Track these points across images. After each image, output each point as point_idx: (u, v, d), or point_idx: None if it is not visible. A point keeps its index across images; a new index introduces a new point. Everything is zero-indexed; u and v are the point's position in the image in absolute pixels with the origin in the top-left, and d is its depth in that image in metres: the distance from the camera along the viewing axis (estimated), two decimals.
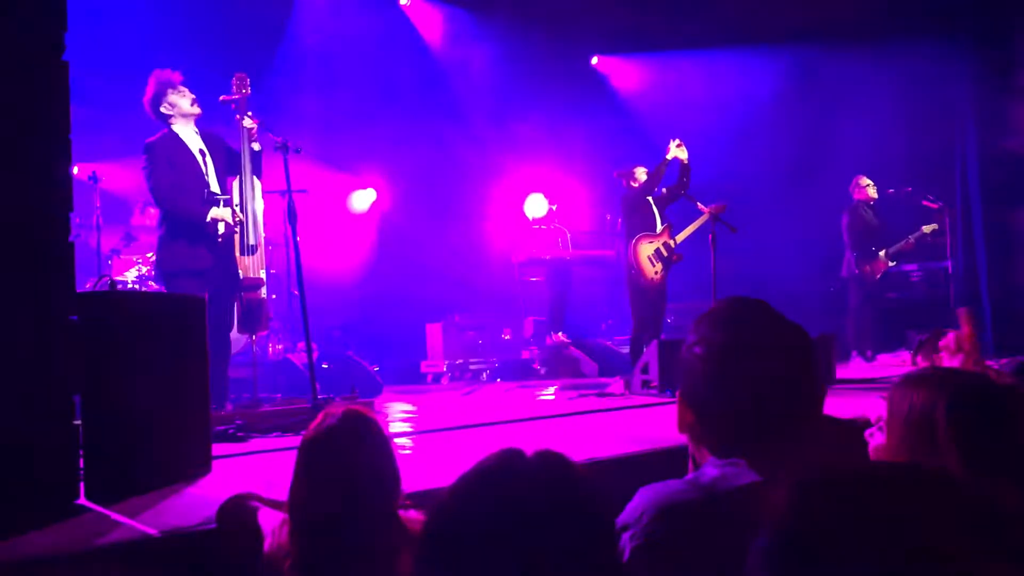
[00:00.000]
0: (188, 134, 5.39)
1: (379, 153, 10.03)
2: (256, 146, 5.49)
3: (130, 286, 7.04)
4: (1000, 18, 9.68)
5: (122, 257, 7.48)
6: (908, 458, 1.61)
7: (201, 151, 5.40)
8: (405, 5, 10.21)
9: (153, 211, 8.36)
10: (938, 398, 1.59)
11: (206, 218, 5.26)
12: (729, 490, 1.46)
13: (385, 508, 2.05)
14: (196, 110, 5.38)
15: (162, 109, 5.35)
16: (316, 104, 9.21)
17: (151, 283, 7.26)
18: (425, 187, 10.26)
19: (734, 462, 1.49)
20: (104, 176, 7.43)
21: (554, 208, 10.51)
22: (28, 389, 2.82)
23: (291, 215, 5.20)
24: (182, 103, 5.34)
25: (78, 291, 3.09)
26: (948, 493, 0.84)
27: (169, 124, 5.37)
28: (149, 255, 7.47)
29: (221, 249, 5.34)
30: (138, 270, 7.28)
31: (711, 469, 1.53)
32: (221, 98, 5.46)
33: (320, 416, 2.14)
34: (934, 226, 9.05)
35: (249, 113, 5.42)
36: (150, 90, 5.36)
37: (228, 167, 5.52)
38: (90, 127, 7.52)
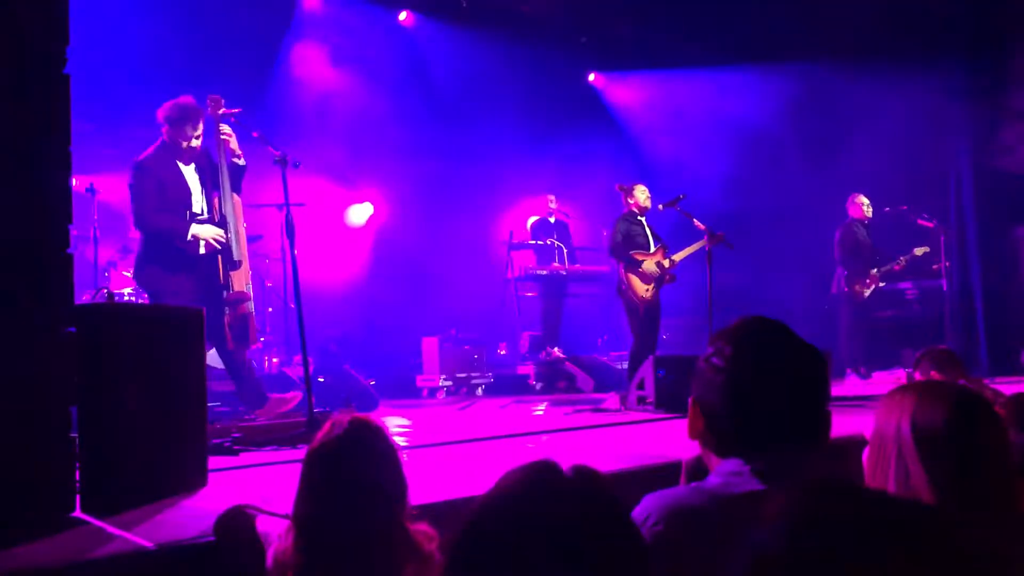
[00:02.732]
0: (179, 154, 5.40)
1: (376, 167, 10.06)
2: (240, 161, 5.47)
3: (127, 299, 7.04)
4: (993, 39, 9.77)
5: (119, 269, 7.48)
6: (885, 468, 1.65)
7: (189, 171, 5.40)
8: (403, 21, 10.26)
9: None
10: (906, 406, 1.63)
11: (186, 236, 5.23)
12: (732, 496, 1.53)
13: (393, 518, 2.05)
14: (196, 143, 5.39)
15: (164, 130, 5.36)
16: (314, 118, 9.24)
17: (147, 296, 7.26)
18: (422, 201, 10.29)
19: (738, 471, 1.56)
20: (102, 188, 7.44)
21: (552, 221, 10.52)
22: (25, 401, 2.82)
23: (289, 229, 5.21)
24: (188, 136, 5.35)
25: (76, 303, 3.10)
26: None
27: (164, 140, 5.37)
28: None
29: (203, 267, 5.31)
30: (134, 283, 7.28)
31: (715, 477, 1.60)
32: (221, 112, 5.46)
33: (327, 425, 2.13)
34: (925, 248, 9.08)
35: (226, 127, 5.39)
36: (171, 111, 5.35)
37: (215, 182, 5.52)
38: (89, 139, 7.57)
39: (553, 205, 10.29)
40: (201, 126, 5.39)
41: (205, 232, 5.29)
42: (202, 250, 5.29)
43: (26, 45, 2.96)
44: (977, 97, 9.89)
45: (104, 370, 3.10)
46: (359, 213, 10.44)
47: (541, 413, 6.88)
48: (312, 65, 9.51)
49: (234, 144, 5.43)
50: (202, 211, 5.40)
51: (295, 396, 5.60)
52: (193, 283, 5.26)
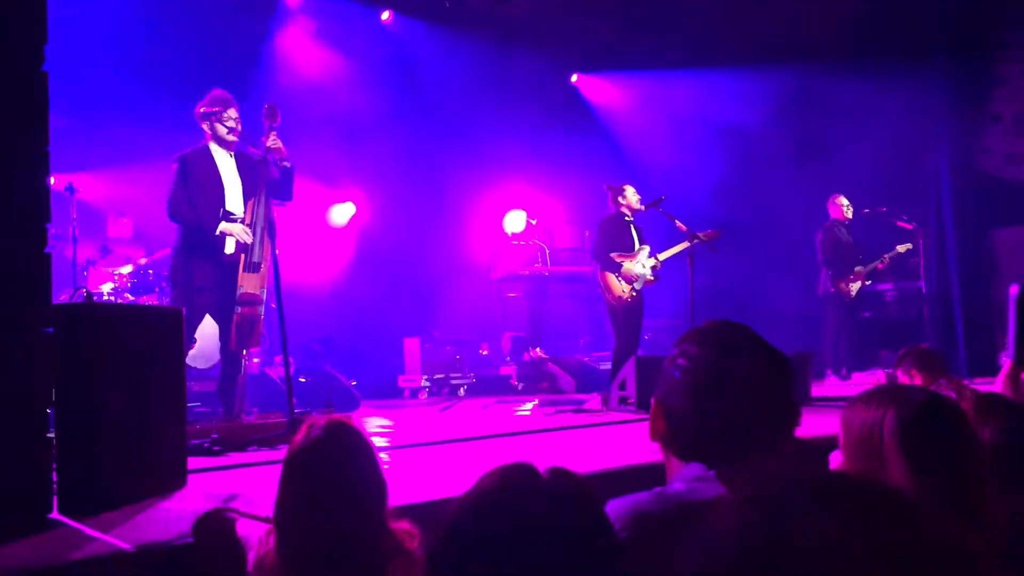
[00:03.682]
0: (221, 154, 5.55)
1: (359, 167, 10.03)
2: (287, 164, 5.54)
3: (106, 298, 6.99)
4: (975, 43, 9.86)
5: (98, 268, 7.43)
6: (860, 472, 1.65)
7: (229, 172, 5.54)
8: (386, 20, 10.23)
9: (126, 221, 8.33)
10: (886, 411, 1.65)
11: (215, 231, 5.38)
12: (696, 502, 1.51)
13: (374, 518, 2.05)
14: (231, 138, 5.53)
15: (203, 126, 5.54)
16: (297, 117, 9.19)
17: (127, 295, 7.21)
18: (405, 201, 10.27)
19: (702, 476, 1.55)
20: (81, 187, 7.38)
21: (533, 223, 10.54)
22: (2, 402, 2.79)
23: (270, 228, 5.24)
24: (220, 129, 5.51)
25: (54, 303, 3.07)
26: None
27: (208, 138, 5.54)
28: (125, 268, 7.42)
29: (225, 264, 5.42)
30: (114, 282, 7.23)
31: (679, 483, 1.58)
32: (268, 124, 5.49)
33: (305, 427, 2.13)
34: (908, 245, 9.16)
35: (274, 135, 5.46)
36: (202, 105, 5.55)
37: (256, 188, 5.56)
38: (67, 137, 7.50)
39: (533, 222, 10.38)
40: (233, 115, 5.52)
41: (233, 229, 5.43)
42: (230, 248, 5.42)
43: (3, 41, 2.93)
44: (958, 101, 9.99)
45: (82, 371, 3.07)
46: (341, 213, 10.40)
47: (523, 414, 6.88)
48: (294, 64, 9.47)
49: (283, 150, 5.48)
50: (240, 212, 5.51)
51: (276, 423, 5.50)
52: (217, 277, 5.41)
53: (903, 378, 4.46)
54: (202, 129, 5.56)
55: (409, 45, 10.36)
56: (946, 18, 9.73)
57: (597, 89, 12.20)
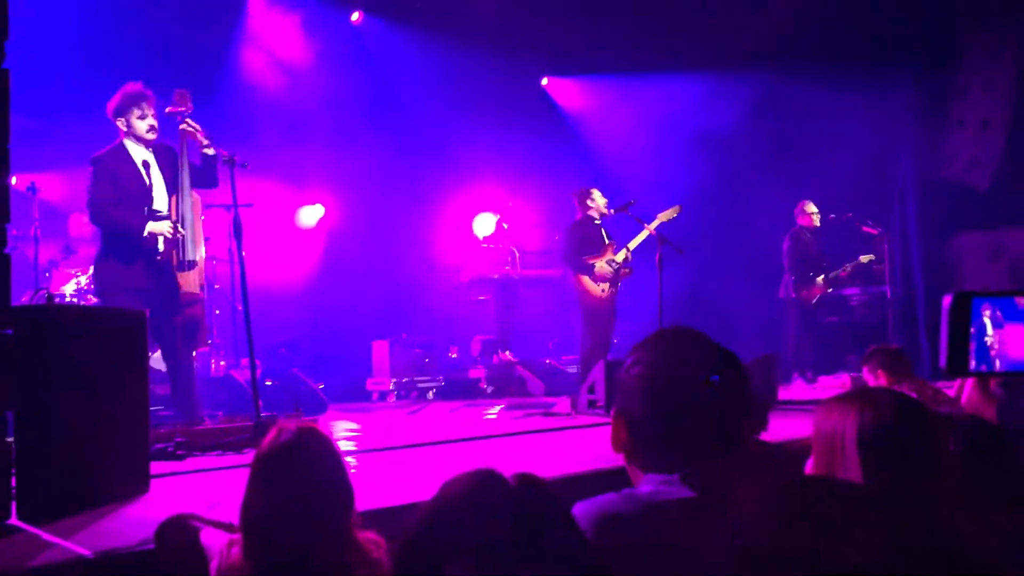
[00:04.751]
0: (138, 151, 5.31)
1: (328, 169, 9.97)
2: (210, 150, 5.38)
3: (68, 299, 6.88)
4: (938, 50, 10.01)
5: (60, 269, 7.31)
6: (830, 474, 1.68)
7: (146, 164, 5.31)
8: (355, 21, 10.18)
9: (85, 220, 8.20)
10: (852, 414, 1.66)
11: (143, 233, 5.15)
12: (663, 503, 1.53)
13: (340, 525, 2.04)
14: (151, 136, 5.30)
15: (118, 123, 5.29)
16: (265, 118, 9.13)
17: (90, 296, 7.10)
18: (373, 204, 10.22)
19: (669, 479, 1.56)
20: (43, 187, 7.27)
21: (505, 227, 10.53)
22: None
23: (236, 230, 5.14)
24: (139, 126, 5.27)
25: (13, 304, 3.01)
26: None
27: (122, 136, 5.30)
28: (90, 270, 7.31)
29: (160, 266, 5.23)
30: (76, 283, 7.11)
31: (646, 485, 1.59)
32: (168, 110, 5.37)
33: (273, 431, 2.11)
34: (871, 256, 9.29)
35: (188, 120, 5.30)
36: (115, 100, 5.30)
37: (196, 179, 5.44)
38: (30, 137, 7.39)
39: (505, 226, 10.37)
40: (151, 111, 5.29)
41: (161, 228, 5.21)
42: (161, 247, 5.22)
43: None
44: (922, 107, 10.13)
45: (42, 374, 3.02)
46: (310, 215, 10.34)
47: (492, 417, 6.87)
48: (262, 65, 9.40)
49: (200, 136, 5.34)
50: (165, 209, 5.31)
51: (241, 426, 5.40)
52: (151, 280, 5.19)
53: (868, 376, 4.52)
54: (116, 127, 5.29)
55: (379, 47, 10.32)
56: (911, 26, 9.87)
57: (567, 92, 12.23)
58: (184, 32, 8.36)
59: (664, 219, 7.40)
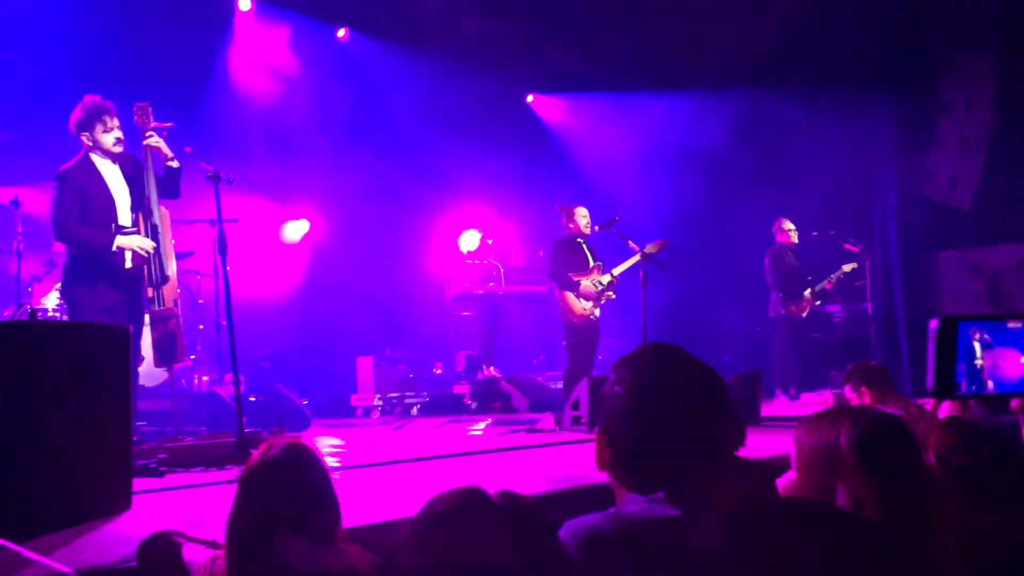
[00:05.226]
0: (104, 164, 5.22)
1: (313, 184, 9.97)
2: (174, 164, 5.32)
3: (51, 313, 6.83)
4: (920, 68, 10.13)
5: (43, 283, 7.26)
6: (815, 490, 1.69)
7: (115, 181, 5.23)
8: (342, 38, 10.21)
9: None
10: (841, 429, 1.68)
11: (111, 247, 5.06)
12: (649, 522, 1.52)
13: (326, 541, 2.04)
14: (117, 149, 5.21)
15: (82, 138, 5.19)
16: (250, 134, 9.13)
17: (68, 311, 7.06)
18: (359, 219, 10.23)
19: (655, 497, 1.56)
20: (26, 201, 7.22)
21: (489, 243, 10.55)
22: None
23: (221, 245, 5.11)
24: (104, 139, 5.17)
25: None
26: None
27: (86, 150, 5.21)
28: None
29: (128, 281, 5.15)
30: (59, 296, 7.07)
31: (632, 504, 1.59)
32: (151, 127, 5.32)
33: (262, 447, 2.12)
34: (853, 264, 9.35)
35: (153, 134, 5.25)
36: (77, 114, 5.20)
37: (145, 189, 5.39)
38: (13, 151, 7.36)
39: (489, 242, 10.40)
40: (115, 123, 5.20)
41: (131, 243, 5.11)
42: (128, 263, 5.12)
43: None
44: (904, 126, 10.24)
45: (25, 389, 3.00)
46: (295, 230, 10.33)
47: (477, 433, 6.86)
48: (248, 80, 9.40)
49: (165, 148, 5.29)
50: (131, 223, 5.24)
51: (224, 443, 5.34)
52: (119, 297, 5.09)
53: (851, 394, 4.53)
54: (80, 141, 5.19)
55: (365, 63, 10.34)
56: (893, 45, 9.99)
57: (552, 109, 12.30)
58: (170, 45, 8.35)
59: (651, 251, 7.41)
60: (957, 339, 1.30)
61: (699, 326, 10.19)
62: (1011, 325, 1.32)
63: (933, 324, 1.29)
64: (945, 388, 1.30)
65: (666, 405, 1.60)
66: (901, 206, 10.31)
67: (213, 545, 2.17)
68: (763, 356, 9.36)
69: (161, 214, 5.33)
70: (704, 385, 1.64)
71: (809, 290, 9.30)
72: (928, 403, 4.73)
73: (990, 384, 1.29)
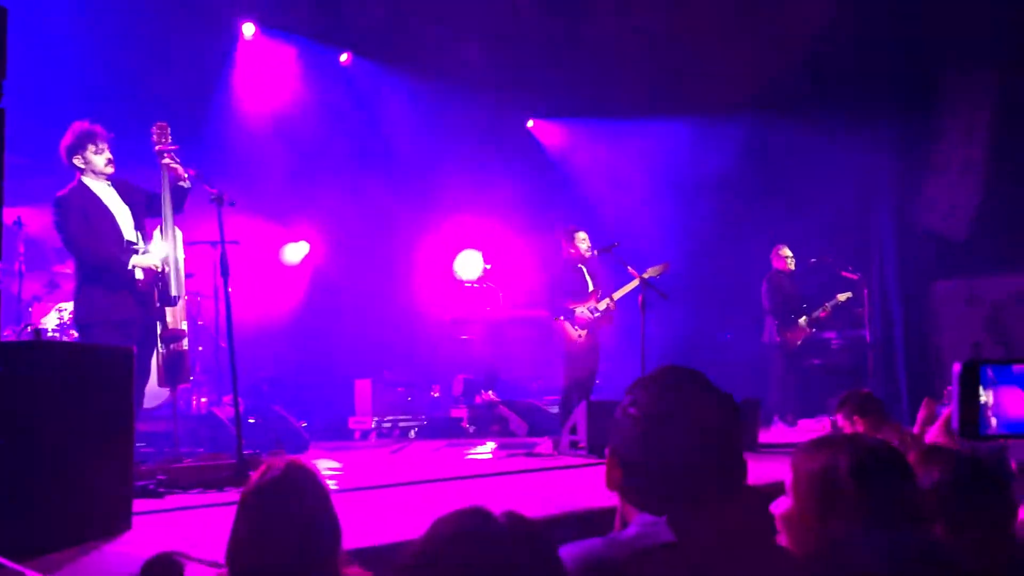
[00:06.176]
0: (99, 187, 5.28)
1: (314, 207, 10.02)
2: (186, 184, 5.39)
3: (51, 334, 6.85)
4: (919, 95, 10.22)
5: (44, 303, 7.28)
6: (813, 517, 1.71)
7: (114, 202, 5.30)
8: (344, 62, 10.30)
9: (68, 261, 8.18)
10: (839, 458, 1.71)
11: (127, 266, 5.13)
12: (647, 548, 1.52)
13: (327, 562, 2.04)
14: (109, 170, 5.27)
15: (75, 161, 5.25)
16: (253, 156, 9.18)
17: (72, 332, 7.07)
18: (359, 242, 10.26)
19: (655, 522, 1.56)
20: (29, 221, 7.25)
21: (488, 267, 10.58)
22: None
23: (223, 267, 5.16)
24: (96, 160, 5.24)
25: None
26: None
27: (80, 174, 5.27)
28: (71, 304, 7.29)
29: (142, 299, 5.20)
30: (59, 317, 7.09)
31: (632, 528, 1.59)
32: (157, 148, 5.40)
33: (263, 467, 2.13)
34: (848, 294, 9.39)
35: (169, 155, 5.33)
36: (68, 138, 5.28)
37: (147, 210, 5.43)
38: (16, 171, 7.38)
39: (488, 267, 10.44)
40: (105, 145, 5.27)
41: (146, 261, 5.19)
42: (140, 275, 5.18)
43: None
44: (902, 154, 10.31)
45: (27, 409, 3.02)
46: (295, 252, 10.36)
47: (475, 457, 6.86)
48: (251, 103, 9.46)
49: (181, 171, 5.36)
50: (137, 240, 5.30)
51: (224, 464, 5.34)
52: (133, 308, 5.16)
53: (844, 423, 4.54)
54: (72, 167, 5.26)
55: (367, 87, 10.43)
56: (891, 71, 10.07)
57: (553, 135, 12.38)
58: (174, 69, 8.42)
59: (652, 275, 7.45)
60: (980, 381, 1.32)
61: (700, 352, 10.21)
62: (1016, 368, 1.34)
63: (956, 368, 1.31)
64: (971, 430, 1.32)
65: (680, 431, 1.59)
66: (899, 234, 10.37)
67: (216, 565, 2.18)
68: (763, 383, 9.37)
69: (174, 234, 5.40)
70: (720, 413, 1.63)
71: (804, 317, 9.33)
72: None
73: (994, 422, 1.32)
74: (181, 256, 5.49)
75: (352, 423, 9.02)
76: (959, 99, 10.21)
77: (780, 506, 1.81)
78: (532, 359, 10.90)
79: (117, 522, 3.32)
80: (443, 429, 9.27)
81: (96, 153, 5.25)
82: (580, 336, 7.53)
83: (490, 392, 9.57)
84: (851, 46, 9.73)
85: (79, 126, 5.29)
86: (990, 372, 1.32)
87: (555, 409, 8.85)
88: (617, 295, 7.67)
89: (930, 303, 10.41)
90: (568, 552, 1.56)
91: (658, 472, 1.60)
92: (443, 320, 10.45)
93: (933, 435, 2.41)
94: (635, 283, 7.51)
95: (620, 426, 1.67)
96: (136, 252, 5.22)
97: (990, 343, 9.91)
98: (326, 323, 9.85)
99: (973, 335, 10.05)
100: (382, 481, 5.04)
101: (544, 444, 6.87)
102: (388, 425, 8.96)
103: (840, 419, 4.57)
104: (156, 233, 5.36)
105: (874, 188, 10.49)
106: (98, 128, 5.30)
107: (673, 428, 1.60)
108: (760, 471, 4.33)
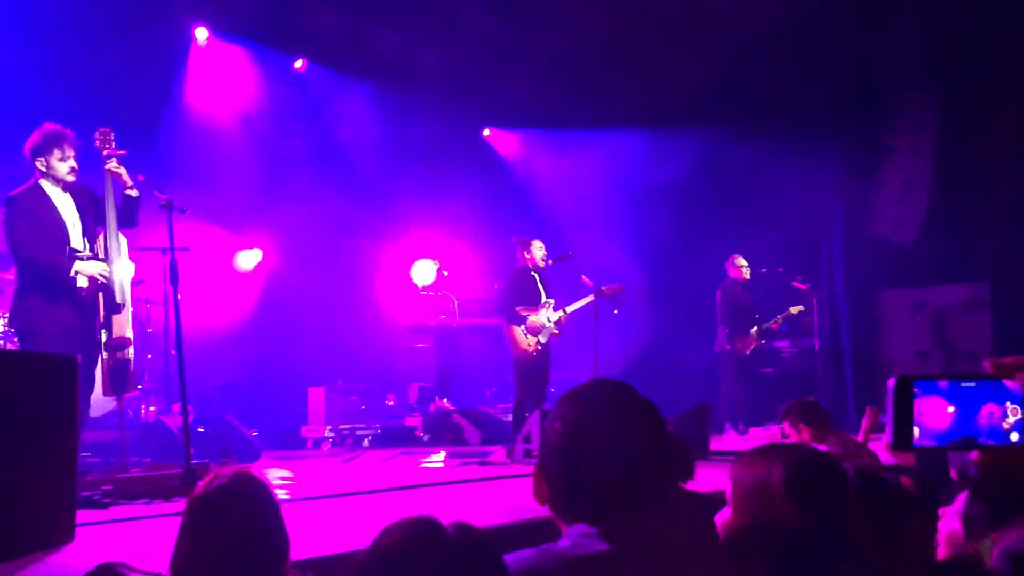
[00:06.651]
0: (55, 191, 5.16)
1: (268, 213, 9.93)
2: (133, 192, 5.30)
3: None
4: (866, 112, 10.45)
5: None
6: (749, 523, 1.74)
7: (66, 208, 5.18)
8: (299, 68, 10.24)
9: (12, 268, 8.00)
10: (773, 467, 1.74)
11: (69, 272, 5.02)
12: (579, 558, 1.53)
13: (276, 571, 2.02)
14: (71, 178, 5.16)
15: (37, 163, 5.13)
16: (205, 162, 9.08)
17: (15, 339, 6.92)
18: (313, 249, 10.19)
19: (587, 532, 1.57)
20: None
21: (445, 275, 10.58)
22: None
23: (172, 274, 5.08)
24: (59, 167, 5.12)
25: None
26: None
27: (38, 176, 5.15)
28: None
29: (84, 305, 5.10)
30: (5, 324, 6.93)
31: (564, 540, 1.60)
32: (105, 152, 5.29)
33: (210, 475, 2.10)
34: (800, 307, 9.54)
35: (115, 160, 5.25)
36: (36, 138, 5.15)
37: (97, 218, 5.32)
38: None
39: (445, 274, 10.43)
40: (71, 152, 5.16)
41: (89, 268, 5.08)
42: (84, 283, 5.07)
43: None
44: (851, 167, 10.53)
45: None
46: (248, 259, 10.26)
47: (428, 465, 6.84)
48: (204, 108, 9.37)
49: (126, 176, 5.27)
50: (83, 247, 5.19)
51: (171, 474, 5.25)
52: (76, 319, 5.05)
53: (790, 431, 4.62)
54: (34, 166, 5.13)
55: (322, 94, 10.37)
56: (841, 89, 10.29)
57: (509, 144, 12.42)
58: (125, 73, 8.30)
59: (607, 293, 7.49)
60: (913, 397, 1.36)
61: (655, 360, 10.30)
62: (965, 385, 1.38)
63: (891, 383, 1.35)
64: (903, 443, 1.36)
65: (602, 443, 1.60)
66: (847, 245, 10.58)
67: None
68: (712, 390, 9.48)
69: (119, 241, 5.30)
70: (643, 423, 1.64)
71: (755, 328, 9.45)
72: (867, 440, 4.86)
73: (916, 431, 1.35)
74: (128, 264, 5.40)
75: (305, 432, 8.94)
76: (906, 116, 10.47)
77: (722, 516, 1.84)
78: (487, 367, 10.91)
79: (59, 533, 3.26)
80: (397, 437, 9.22)
81: (61, 160, 5.12)
82: (529, 345, 7.53)
83: (444, 400, 9.55)
84: (802, 62, 9.92)
85: (49, 128, 5.17)
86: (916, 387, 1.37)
87: (509, 417, 8.86)
88: (571, 308, 7.70)
89: (877, 312, 10.63)
90: (506, 562, 1.56)
91: (582, 485, 1.61)
92: (398, 328, 10.42)
93: (883, 453, 2.47)
94: (589, 298, 7.54)
95: (545, 441, 1.67)
96: (80, 259, 5.11)
97: (935, 350, 10.15)
98: (279, 331, 9.76)
99: (919, 343, 10.27)
100: (334, 490, 5.01)
101: (498, 453, 6.87)
102: (342, 434, 8.89)
103: (786, 427, 4.65)
104: (100, 240, 5.25)
105: (823, 201, 10.68)
106: (69, 132, 5.18)
107: (593, 440, 1.60)
108: (709, 479, 4.37)
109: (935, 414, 1.35)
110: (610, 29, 9.81)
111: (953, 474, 2.54)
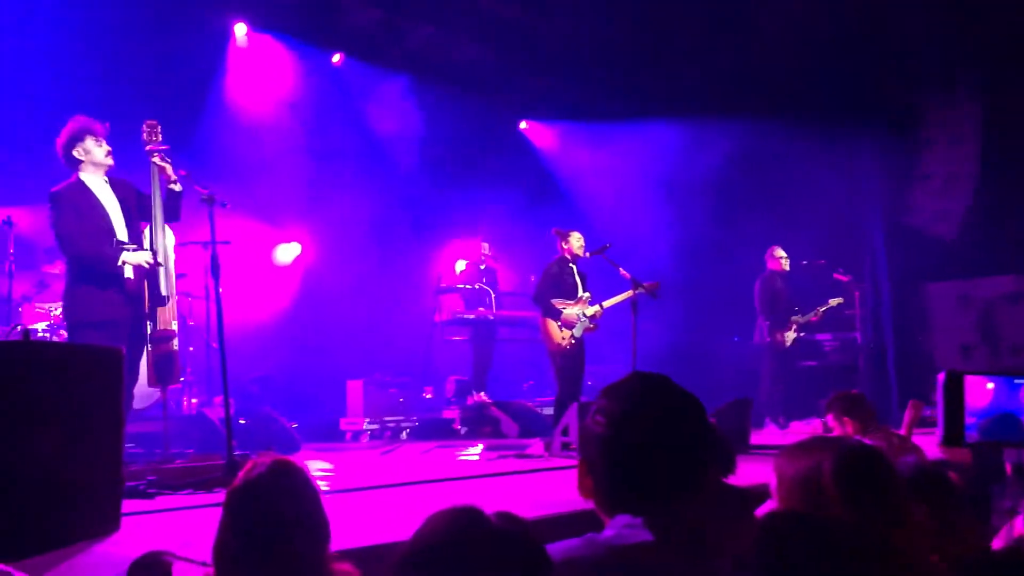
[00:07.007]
0: (96, 183, 5.24)
1: (306, 207, 10.01)
2: (177, 187, 5.36)
3: (40, 334, 6.82)
4: (906, 104, 10.28)
5: (33, 304, 7.25)
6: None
7: (109, 200, 5.26)
8: (336, 63, 10.29)
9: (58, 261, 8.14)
10: (822, 460, 1.72)
11: (117, 262, 5.10)
12: (624, 547, 1.55)
13: (315, 559, 2.03)
14: (109, 161, 5.25)
15: (74, 153, 5.20)
16: (245, 157, 9.17)
17: (62, 331, 7.04)
18: (351, 243, 10.25)
19: (630, 523, 1.58)
20: (19, 221, 7.23)
21: (482, 268, 10.58)
22: None
23: (214, 268, 5.12)
24: (96, 152, 5.21)
25: None
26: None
27: (78, 170, 5.22)
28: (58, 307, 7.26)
29: (132, 296, 5.17)
30: (50, 318, 7.06)
31: (609, 530, 1.62)
32: (148, 147, 5.36)
33: (249, 465, 2.11)
34: (840, 299, 9.40)
35: (159, 154, 5.30)
36: (66, 133, 5.23)
37: (140, 212, 5.39)
38: (7, 170, 7.37)
39: (486, 251, 10.34)
40: (104, 141, 5.24)
41: (135, 258, 5.14)
42: (129, 273, 5.13)
43: None
44: (891, 161, 10.38)
45: (14, 410, 3.00)
46: (287, 253, 10.35)
47: (466, 458, 6.85)
48: (243, 104, 9.45)
49: (170, 170, 5.33)
50: (128, 239, 5.26)
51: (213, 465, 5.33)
52: (123, 307, 5.12)
53: (834, 424, 4.55)
54: (69, 163, 5.21)
55: (359, 88, 10.41)
56: (880, 81, 10.14)
57: (545, 137, 12.38)
58: (166, 69, 8.40)
59: (646, 289, 7.42)
60: (964, 392, 1.33)
61: (693, 353, 10.23)
62: (1017, 382, 1.35)
63: (941, 377, 1.32)
64: (955, 438, 1.33)
65: (644, 435, 1.62)
66: (890, 238, 10.42)
67: (204, 565, 2.17)
68: (751, 383, 9.39)
69: (165, 235, 5.37)
70: (684, 415, 1.65)
71: (796, 317, 9.34)
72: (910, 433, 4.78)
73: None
74: (172, 256, 5.47)
75: (344, 424, 9.00)
76: (945, 109, 10.29)
77: (766, 509, 1.82)
78: (524, 360, 10.91)
79: (106, 523, 3.31)
80: (435, 430, 9.25)
81: (97, 144, 5.22)
82: (564, 339, 7.49)
83: (482, 393, 9.57)
84: (842, 55, 9.78)
85: (77, 120, 5.26)
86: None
87: (547, 410, 8.85)
88: (608, 303, 7.65)
89: (921, 304, 10.46)
90: (549, 551, 1.57)
91: (625, 476, 1.63)
92: (435, 321, 10.44)
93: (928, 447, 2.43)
94: (628, 294, 7.49)
95: (588, 434, 1.69)
96: (126, 250, 5.19)
97: (980, 343, 9.97)
98: (318, 324, 9.84)
99: (963, 336, 10.10)
100: (373, 482, 5.03)
101: (536, 446, 6.87)
102: (380, 426, 8.94)
103: (830, 419, 4.58)
104: (146, 232, 5.33)
105: (864, 193, 10.55)
106: (98, 124, 5.27)
107: (636, 433, 1.62)
108: (749, 473, 4.33)
109: (975, 391, 1.33)
110: (646, 20, 9.73)
111: (1008, 469, 2.49)
